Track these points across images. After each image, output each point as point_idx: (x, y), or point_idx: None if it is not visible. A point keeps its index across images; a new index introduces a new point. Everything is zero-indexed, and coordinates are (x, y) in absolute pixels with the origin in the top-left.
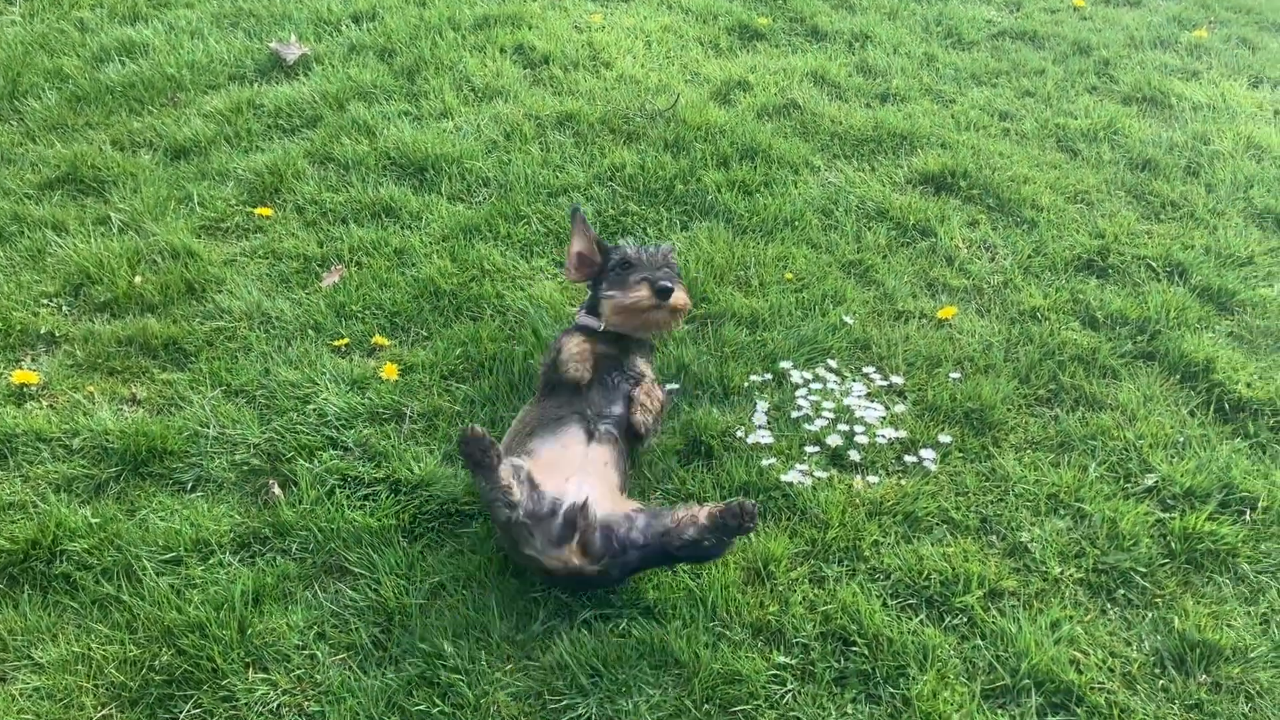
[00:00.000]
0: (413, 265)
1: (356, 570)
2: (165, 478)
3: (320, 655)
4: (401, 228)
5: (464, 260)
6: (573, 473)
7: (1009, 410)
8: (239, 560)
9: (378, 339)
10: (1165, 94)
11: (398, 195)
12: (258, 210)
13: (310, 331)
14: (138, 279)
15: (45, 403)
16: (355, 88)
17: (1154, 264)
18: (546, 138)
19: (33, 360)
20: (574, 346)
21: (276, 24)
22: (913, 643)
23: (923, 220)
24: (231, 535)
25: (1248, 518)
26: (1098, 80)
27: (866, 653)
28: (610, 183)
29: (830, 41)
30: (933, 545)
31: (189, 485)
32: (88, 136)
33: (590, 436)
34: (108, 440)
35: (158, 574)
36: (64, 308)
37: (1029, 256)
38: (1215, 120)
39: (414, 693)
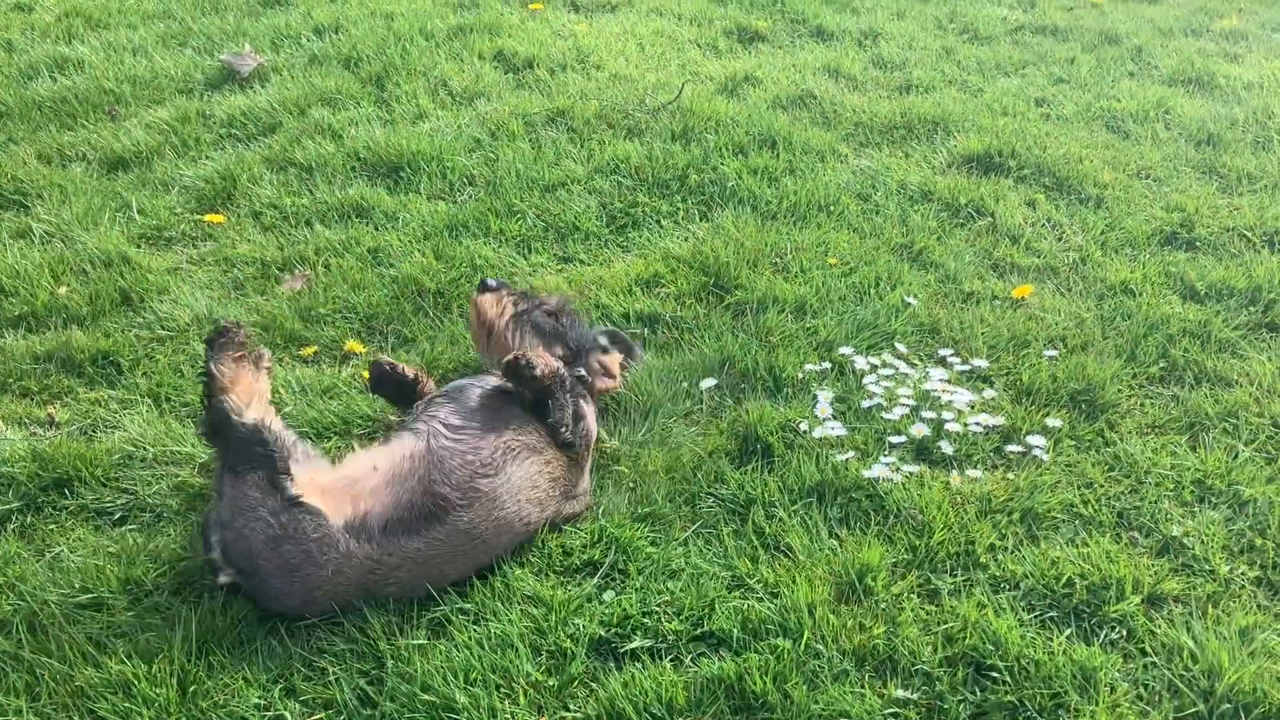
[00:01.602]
0: (390, 265)
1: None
2: (87, 509)
3: (289, 716)
4: (375, 228)
5: (451, 257)
6: None
7: (1120, 391)
8: (181, 601)
9: (351, 344)
10: (1211, 75)
11: (370, 195)
12: (207, 217)
13: (270, 337)
14: (63, 290)
15: None
16: (318, 94)
17: (1248, 234)
18: (538, 135)
19: None
20: None
21: (230, 40)
22: (1066, 665)
23: (975, 200)
24: (172, 572)
25: None
26: (1134, 66)
27: (1009, 680)
28: (615, 175)
29: (838, 40)
30: (1065, 546)
31: (117, 516)
32: (9, 151)
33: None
34: (13, 469)
35: (70, 622)
36: None
37: (1103, 232)
38: (1275, 96)
39: None
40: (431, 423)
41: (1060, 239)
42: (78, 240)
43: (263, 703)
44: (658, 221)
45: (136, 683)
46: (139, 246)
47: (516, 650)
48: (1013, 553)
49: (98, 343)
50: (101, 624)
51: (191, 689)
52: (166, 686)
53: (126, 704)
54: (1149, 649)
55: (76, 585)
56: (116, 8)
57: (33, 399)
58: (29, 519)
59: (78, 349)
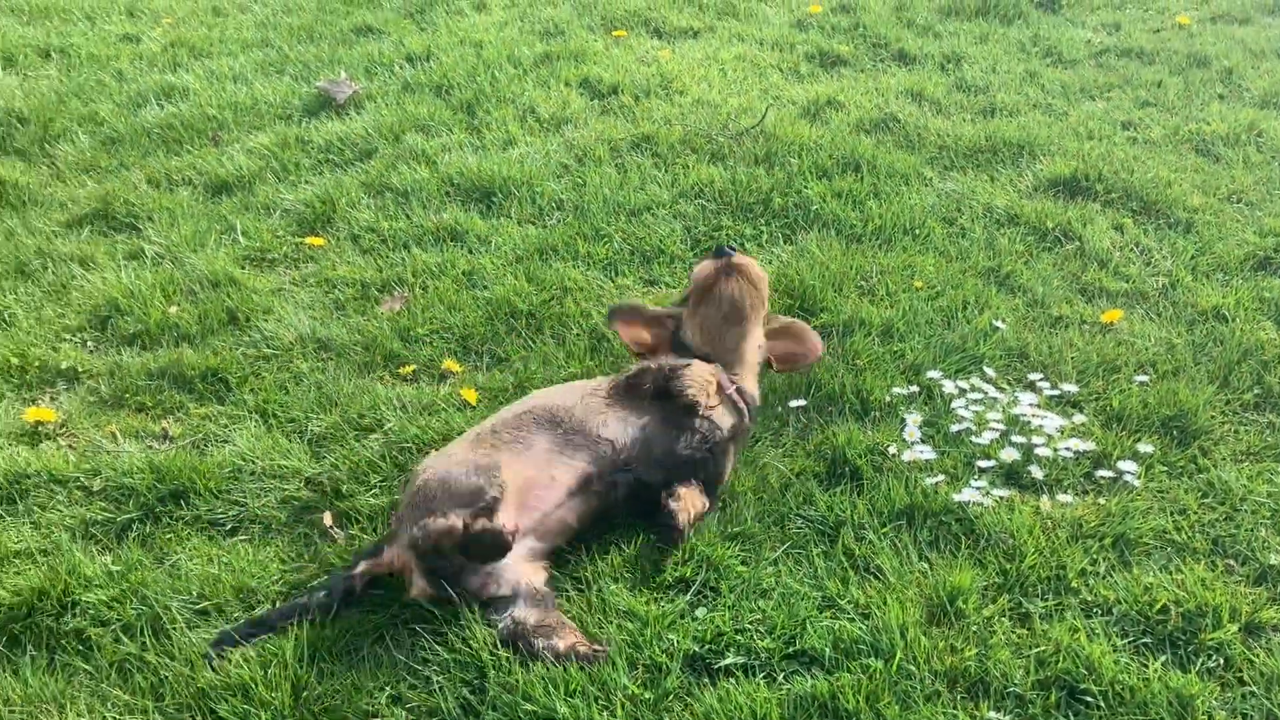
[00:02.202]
0: (484, 287)
1: (438, 618)
2: (200, 520)
3: None
4: (469, 251)
5: (541, 280)
6: None
7: (1213, 417)
8: None
9: (448, 363)
10: None
11: (463, 219)
12: (308, 240)
13: (371, 357)
14: (173, 309)
15: (63, 442)
16: (412, 120)
17: None
18: (623, 159)
19: (51, 398)
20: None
21: (326, 68)
22: (1162, 692)
23: (1062, 224)
24: (281, 581)
25: None
26: (1224, 89)
27: (1103, 705)
28: (699, 199)
29: (920, 64)
30: (1159, 572)
31: (228, 527)
32: (121, 176)
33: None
34: (133, 479)
35: (190, 627)
36: (88, 342)
37: (1193, 257)
38: None
39: None
40: None
41: (1149, 263)
42: (186, 261)
43: (370, 709)
44: (742, 245)
45: (254, 686)
46: (244, 268)
47: (614, 663)
48: (1105, 578)
49: (207, 360)
50: (219, 630)
51: (304, 694)
52: (281, 690)
53: (245, 706)
54: (1247, 678)
55: (194, 592)
56: (218, 37)
57: (148, 413)
58: (149, 528)
59: (188, 366)
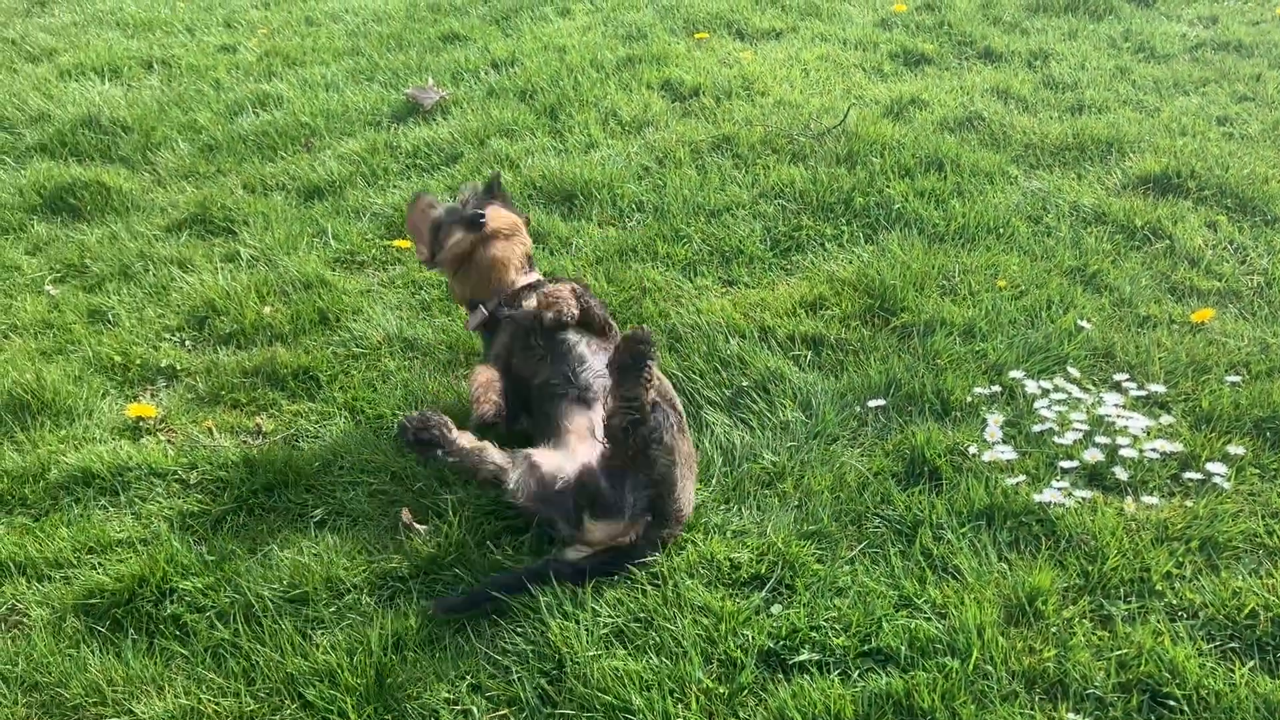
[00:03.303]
0: None
1: (515, 609)
2: (291, 511)
3: (476, 711)
4: (550, 253)
5: (621, 280)
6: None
7: None
8: (376, 600)
9: None
10: None
11: (545, 222)
12: (395, 243)
13: (455, 355)
14: (267, 309)
15: (162, 436)
16: (496, 125)
17: None
18: (703, 160)
19: (151, 395)
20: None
21: (414, 75)
22: (1249, 698)
23: (1152, 222)
24: (367, 572)
25: None
26: None
27: (1187, 710)
28: (779, 199)
29: (1007, 61)
30: (1248, 577)
31: (318, 519)
32: (218, 181)
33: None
34: (228, 473)
35: (280, 615)
36: (186, 341)
37: None
38: None
39: None
40: None
41: (1244, 262)
42: (280, 264)
43: (451, 697)
44: (822, 244)
45: (340, 672)
46: (334, 270)
47: (689, 657)
48: (1191, 581)
49: (299, 359)
50: (307, 617)
51: (388, 680)
52: (366, 676)
53: (332, 691)
54: None
55: (285, 581)
56: (311, 46)
57: (242, 410)
58: (242, 519)
59: (281, 364)
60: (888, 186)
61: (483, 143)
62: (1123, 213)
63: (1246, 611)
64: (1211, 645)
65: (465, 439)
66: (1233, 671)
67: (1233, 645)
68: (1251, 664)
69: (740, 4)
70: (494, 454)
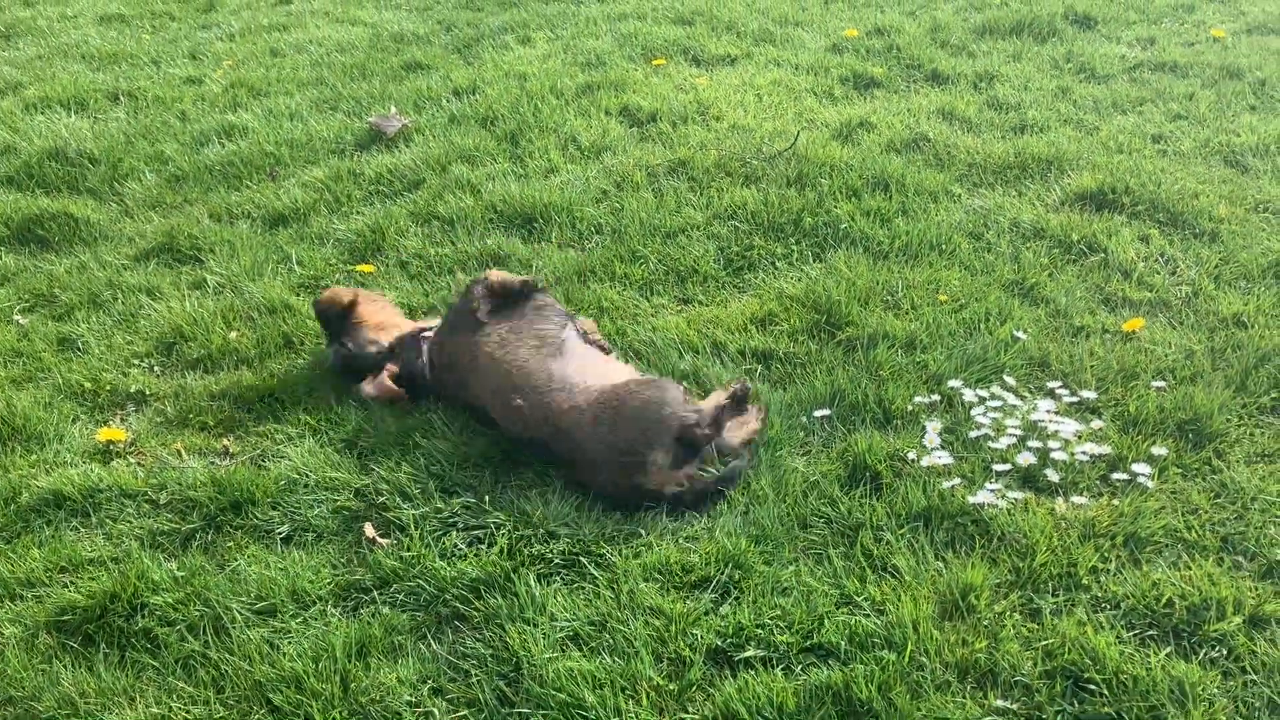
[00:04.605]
0: None
1: (475, 617)
2: (258, 529)
3: (437, 712)
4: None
5: (580, 300)
6: None
7: (1229, 420)
8: (340, 611)
9: None
10: None
11: (506, 244)
12: (359, 267)
13: None
14: (233, 334)
15: (132, 459)
16: (458, 152)
17: None
18: (659, 184)
19: (121, 419)
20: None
21: (377, 103)
22: (1164, 680)
23: (1087, 236)
24: (332, 584)
25: None
26: (1257, 100)
27: (1107, 693)
28: (732, 220)
29: (953, 83)
30: (1167, 569)
31: (284, 535)
32: (185, 211)
33: None
34: (197, 493)
35: (249, 626)
36: (155, 367)
37: (1216, 266)
38: None
39: None
40: None
41: (1173, 273)
42: (245, 290)
43: (414, 700)
44: (773, 263)
45: (306, 679)
46: (299, 295)
47: (640, 656)
48: (1115, 575)
49: (265, 382)
50: (274, 628)
51: (353, 685)
52: (331, 683)
53: (298, 696)
54: (1249, 667)
55: (253, 594)
56: (276, 77)
57: (209, 432)
58: (211, 536)
59: (247, 387)
60: (836, 207)
61: (444, 169)
62: (1060, 228)
63: (1164, 601)
64: (1131, 633)
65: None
66: (1150, 657)
67: (1151, 633)
68: (1168, 650)
69: (697, 31)
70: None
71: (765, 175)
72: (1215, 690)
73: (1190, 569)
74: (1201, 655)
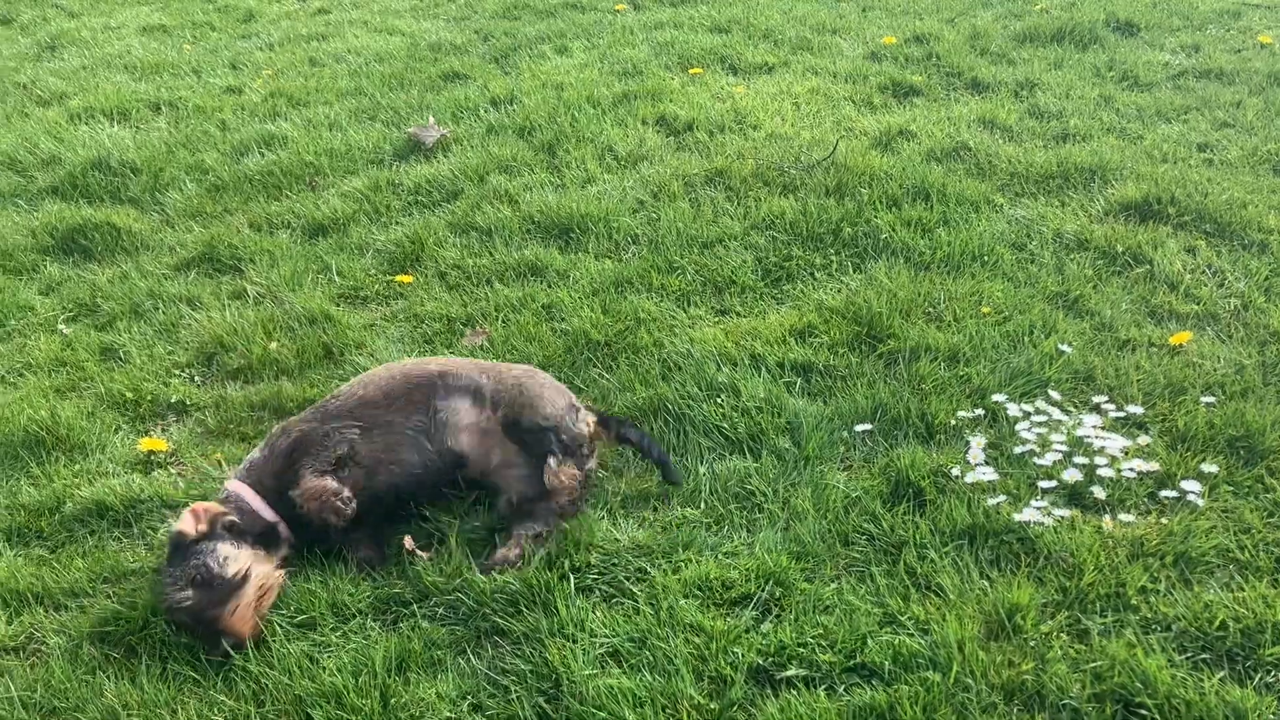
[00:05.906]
0: (562, 319)
1: (514, 632)
2: None
3: None
4: (548, 285)
5: (617, 311)
6: None
7: None
8: (379, 625)
9: None
10: None
11: (543, 255)
12: (398, 278)
13: None
14: (273, 345)
15: (173, 469)
16: (496, 162)
17: None
18: (697, 194)
19: (162, 429)
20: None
21: (415, 113)
22: (1218, 706)
23: (1133, 247)
24: (371, 598)
25: None
26: None
27: (1158, 718)
28: (770, 230)
29: (993, 92)
30: (1220, 590)
31: (324, 547)
32: (225, 221)
33: None
34: None
35: (288, 639)
36: (195, 377)
37: (1266, 278)
38: None
39: None
40: None
41: (1221, 285)
42: (286, 300)
43: (453, 715)
44: (811, 274)
45: (346, 693)
46: (338, 305)
47: (681, 674)
48: (1165, 595)
49: (304, 392)
50: (314, 642)
51: (392, 700)
52: (371, 698)
53: (338, 712)
54: None
55: (293, 607)
56: (315, 86)
57: (250, 443)
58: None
59: (287, 398)
60: (875, 217)
61: (483, 179)
62: (1105, 239)
63: (1217, 624)
64: (1183, 656)
65: None
66: (1203, 681)
67: (1204, 656)
68: (1221, 674)
69: (733, 39)
70: None
71: (803, 185)
72: (1272, 717)
73: (1244, 590)
74: (1257, 680)
